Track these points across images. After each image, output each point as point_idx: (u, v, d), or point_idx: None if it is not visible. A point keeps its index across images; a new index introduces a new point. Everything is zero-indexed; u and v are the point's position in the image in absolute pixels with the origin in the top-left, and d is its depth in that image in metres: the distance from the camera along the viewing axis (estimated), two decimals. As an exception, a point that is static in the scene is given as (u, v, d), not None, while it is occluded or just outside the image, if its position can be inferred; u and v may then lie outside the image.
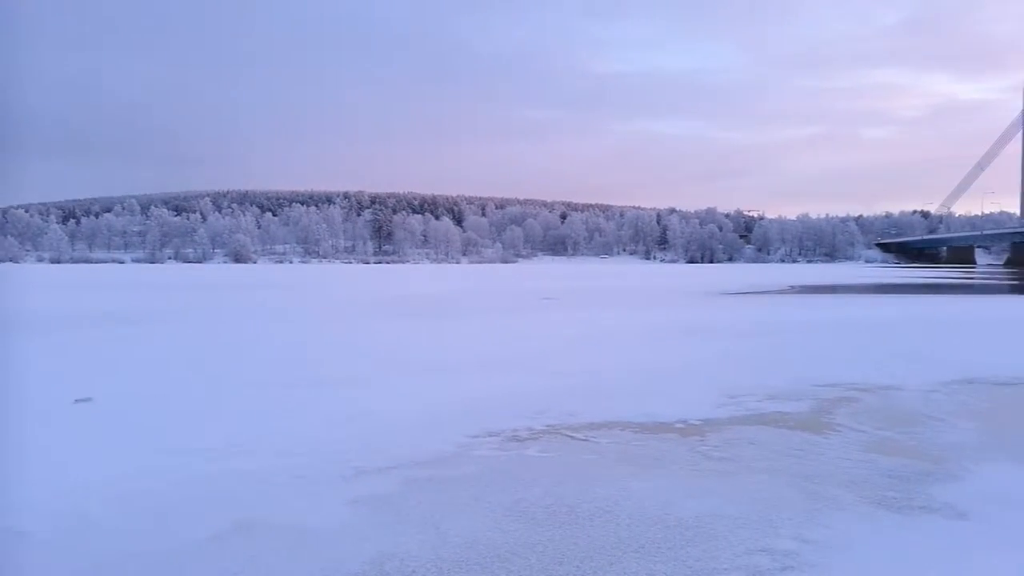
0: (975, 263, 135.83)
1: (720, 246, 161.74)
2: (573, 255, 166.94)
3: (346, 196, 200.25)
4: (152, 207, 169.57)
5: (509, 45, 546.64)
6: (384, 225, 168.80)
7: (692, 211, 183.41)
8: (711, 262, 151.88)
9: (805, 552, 4.30)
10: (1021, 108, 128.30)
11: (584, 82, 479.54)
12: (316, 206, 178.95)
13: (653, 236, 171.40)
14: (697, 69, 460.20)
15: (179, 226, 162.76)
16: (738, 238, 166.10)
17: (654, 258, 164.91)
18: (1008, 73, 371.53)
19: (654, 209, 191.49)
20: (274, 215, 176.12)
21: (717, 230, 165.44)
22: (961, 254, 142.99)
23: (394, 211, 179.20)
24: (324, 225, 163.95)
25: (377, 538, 4.54)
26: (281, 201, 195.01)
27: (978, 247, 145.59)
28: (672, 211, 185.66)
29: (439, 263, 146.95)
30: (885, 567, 4.10)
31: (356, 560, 4.22)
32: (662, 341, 14.75)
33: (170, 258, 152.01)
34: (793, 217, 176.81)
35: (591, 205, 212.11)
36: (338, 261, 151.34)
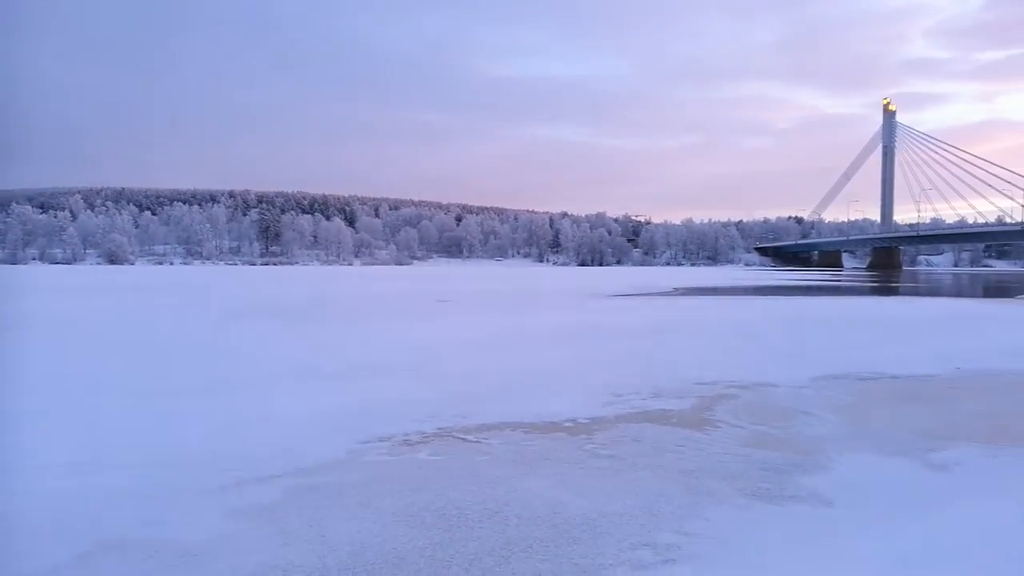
0: (842, 266, 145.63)
1: (609, 249, 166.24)
2: (468, 257, 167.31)
3: (231, 195, 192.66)
4: (13, 203, 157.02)
5: (403, 47, 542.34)
6: (272, 225, 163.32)
7: (583, 215, 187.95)
8: (601, 265, 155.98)
9: (686, 545, 4.45)
10: (880, 123, 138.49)
11: (478, 86, 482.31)
12: (199, 205, 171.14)
13: (546, 239, 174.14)
14: (588, 77, 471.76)
15: (45, 224, 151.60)
16: (626, 242, 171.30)
17: (547, 261, 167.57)
18: (869, 91, 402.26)
19: (547, 213, 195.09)
20: (153, 214, 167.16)
21: (607, 234, 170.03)
22: (830, 258, 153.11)
23: (282, 211, 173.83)
24: (207, 225, 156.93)
25: (258, 550, 4.37)
26: (162, 200, 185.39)
27: (845, 251, 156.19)
28: (564, 215, 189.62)
29: (330, 265, 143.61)
30: (758, 555, 4.30)
31: (235, 575, 4.04)
32: (554, 342, 14.98)
33: (34, 258, 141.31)
34: (678, 222, 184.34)
35: (486, 208, 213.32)
36: (222, 263, 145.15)
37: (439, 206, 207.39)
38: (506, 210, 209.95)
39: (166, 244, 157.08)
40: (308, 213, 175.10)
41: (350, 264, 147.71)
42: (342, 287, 45.57)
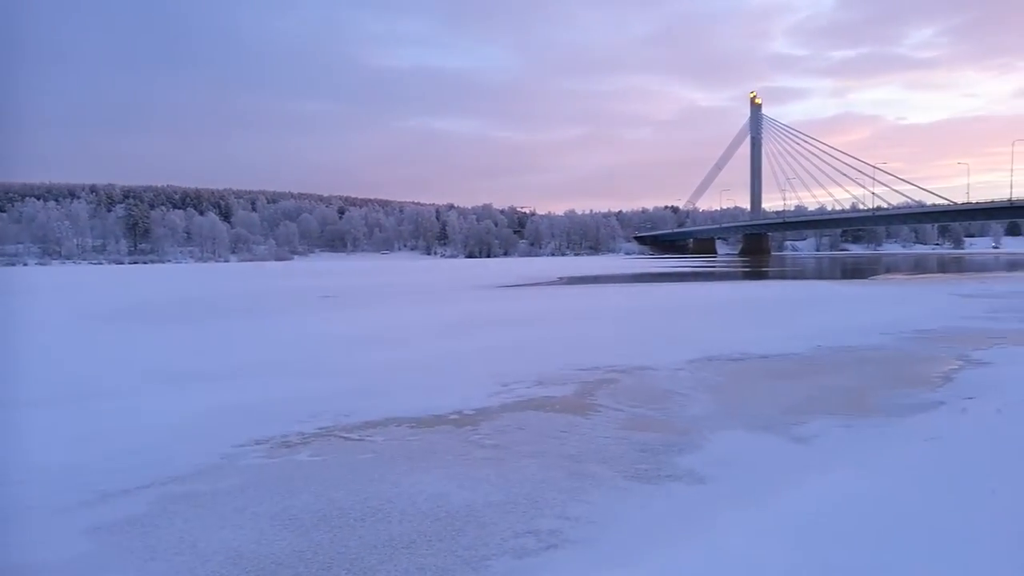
0: (716, 253, 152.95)
1: (497, 241, 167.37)
2: (353, 251, 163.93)
3: (93, 190, 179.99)
4: None
5: (281, 35, 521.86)
6: (140, 221, 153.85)
7: (470, 207, 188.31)
8: (488, 256, 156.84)
9: (568, 529, 4.54)
10: (748, 116, 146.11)
11: (360, 76, 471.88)
12: (56, 201, 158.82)
13: (433, 232, 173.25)
14: (472, 68, 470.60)
15: None
16: (512, 233, 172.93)
17: (434, 253, 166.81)
18: (738, 84, 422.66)
19: (433, 205, 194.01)
20: (2, 211, 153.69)
21: (493, 226, 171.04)
22: (704, 245, 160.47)
23: (152, 206, 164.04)
24: (67, 222, 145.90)
25: (121, 568, 4.10)
26: (12, 196, 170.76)
27: (718, 238, 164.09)
28: (451, 207, 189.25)
29: (205, 262, 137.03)
30: (636, 535, 4.44)
31: (95, 595, 3.78)
32: (440, 335, 14.92)
33: None
34: (561, 213, 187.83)
35: (371, 200, 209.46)
36: (85, 262, 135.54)
37: (320, 199, 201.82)
38: (391, 202, 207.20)
39: (19, 243, 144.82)
40: (180, 208, 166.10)
41: (226, 261, 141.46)
42: (217, 285, 43.58)
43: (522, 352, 12.26)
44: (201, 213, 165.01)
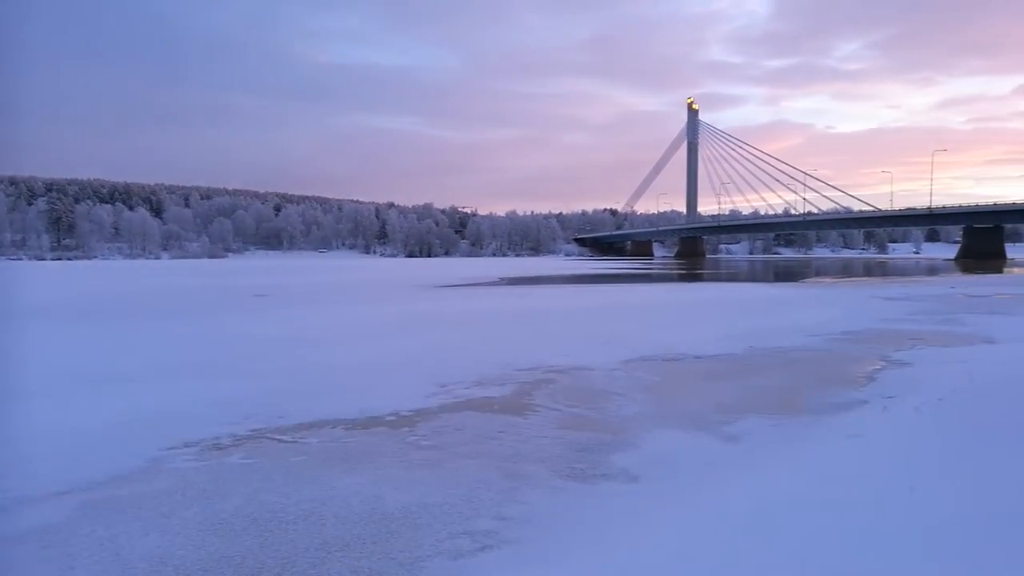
0: (653, 255, 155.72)
1: (437, 240, 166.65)
2: (290, 249, 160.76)
3: (12, 182, 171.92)
4: None
5: (211, 26, 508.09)
6: (64, 216, 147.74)
7: (410, 206, 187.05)
8: (429, 256, 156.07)
9: (503, 530, 4.55)
10: (685, 121, 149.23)
11: (296, 71, 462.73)
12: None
13: (372, 230, 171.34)
14: (412, 67, 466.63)
15: None
16: (454, 233, 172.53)
17: (374, 252, 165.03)
18: (675, 90, 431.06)
19: (373, 203, 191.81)
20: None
21: (434, 225, 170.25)
22: (642, 247, 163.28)
23: (76, 200, 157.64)
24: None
25: (38, 577, 3.93)
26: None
27: (655, 241, 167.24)
28: (391, 206, 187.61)
29: (135, 259, 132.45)
30: (571, 534, 4.48)
31: (8, 607, 3.61)
32: (378, 335, 14.77)
33: None
34: (503, 214, 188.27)
35: (308, 197, 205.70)
36: (3, 257, 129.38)
37: (256, 195, 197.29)
38: (330, 200, 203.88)
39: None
40: (108, 203, 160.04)
41: (157, 258, 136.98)
42: (146, 282, 42.14)
43: (461, 352, 12.23)
44: (131, 208, 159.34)
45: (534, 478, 5.56)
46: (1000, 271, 55.65)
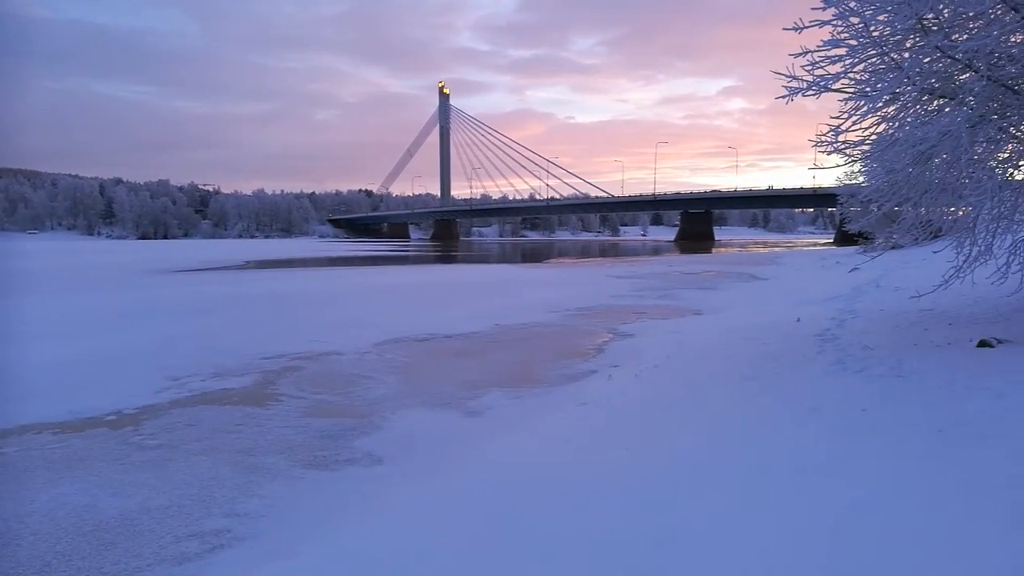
0: (409, 237, 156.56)
1: (175, 221, 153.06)
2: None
3: None
4: None
5: None
6: None
7: (142, 182, 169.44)
8: (166, 237, 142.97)
9: (236, 527, 4.31)
10: (437, 104, 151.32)
11: (3, 24, 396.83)
12: None
13: (96, 209, 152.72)
14: (145, 29, 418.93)
15: None
16: (194, 213, 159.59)
17: (99, 233, 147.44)
18: (427, 73, 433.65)
19: (96, 178, 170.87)
20: None
21: (171, 204, 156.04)
22: (398, 229, 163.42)
23: None
24: None
25: None
26: None
27: (411, 224, 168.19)
28: (119, 181, 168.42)
29: None
30: (310, 523, 4.37)
31: None
32: (102, 327, 13.23)
33: None
34: (250, 192, 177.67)
35: (13, 171, 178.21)
36: None
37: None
38: (41, 174, 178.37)
39: None
40: None
41: None
42: None
43: (199, 342, 11.37)
44: None
45: (273, 470, 5.35)
46: (709, 251, 63.68)
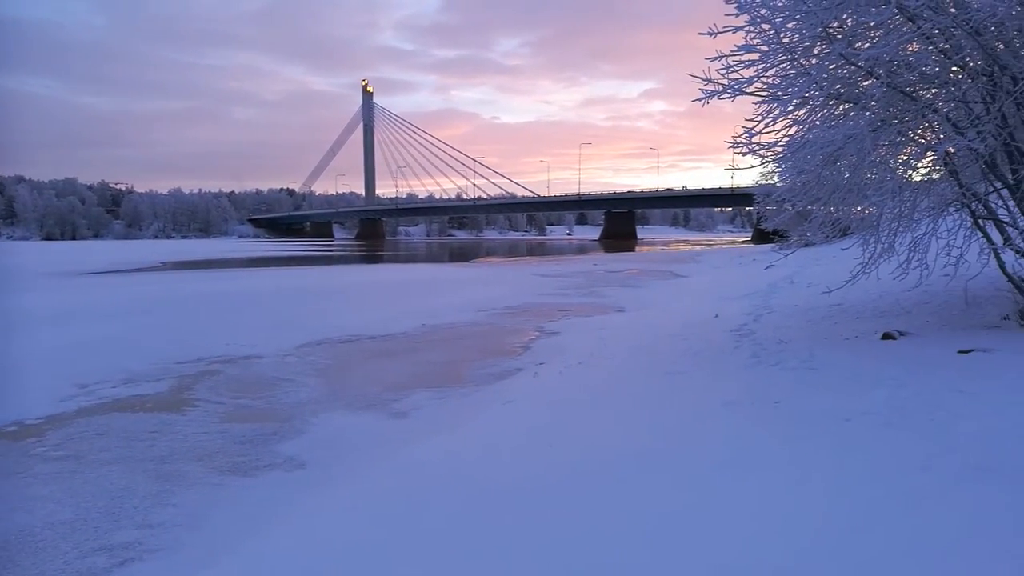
0: (334, 237, 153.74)
1: (84, 221, 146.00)
2: None
3: None
4: None
5: None
6: None
7: (47, 181, 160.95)
8: (74, 239, 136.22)
9: (149, 539, 4.15)
10: (360, 103, 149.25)
11: None
12: None
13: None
14: (46, 21, 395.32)
15: None
16: (105, 212, 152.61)
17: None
18: (351, 71, 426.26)
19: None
20: None
21: (79, 203, 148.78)
22: (322, 229, 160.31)
23: None
24: None
25: None
26: None
27: (335, 223, 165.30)
28: (21, 180, 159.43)
29: None
30: (226, 532, 4.24)
31: None
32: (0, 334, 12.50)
33: None
34: (166, 191, 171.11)
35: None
36: None
37: None
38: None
39: None
40: None
41: None
42: None
43: (108, 348, 10.87)
44: None
45: (189, 478, 5.16)
46: (632, 249, 64.95)
